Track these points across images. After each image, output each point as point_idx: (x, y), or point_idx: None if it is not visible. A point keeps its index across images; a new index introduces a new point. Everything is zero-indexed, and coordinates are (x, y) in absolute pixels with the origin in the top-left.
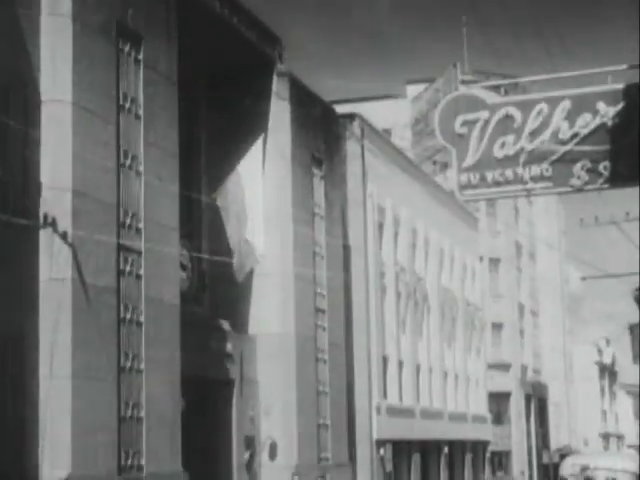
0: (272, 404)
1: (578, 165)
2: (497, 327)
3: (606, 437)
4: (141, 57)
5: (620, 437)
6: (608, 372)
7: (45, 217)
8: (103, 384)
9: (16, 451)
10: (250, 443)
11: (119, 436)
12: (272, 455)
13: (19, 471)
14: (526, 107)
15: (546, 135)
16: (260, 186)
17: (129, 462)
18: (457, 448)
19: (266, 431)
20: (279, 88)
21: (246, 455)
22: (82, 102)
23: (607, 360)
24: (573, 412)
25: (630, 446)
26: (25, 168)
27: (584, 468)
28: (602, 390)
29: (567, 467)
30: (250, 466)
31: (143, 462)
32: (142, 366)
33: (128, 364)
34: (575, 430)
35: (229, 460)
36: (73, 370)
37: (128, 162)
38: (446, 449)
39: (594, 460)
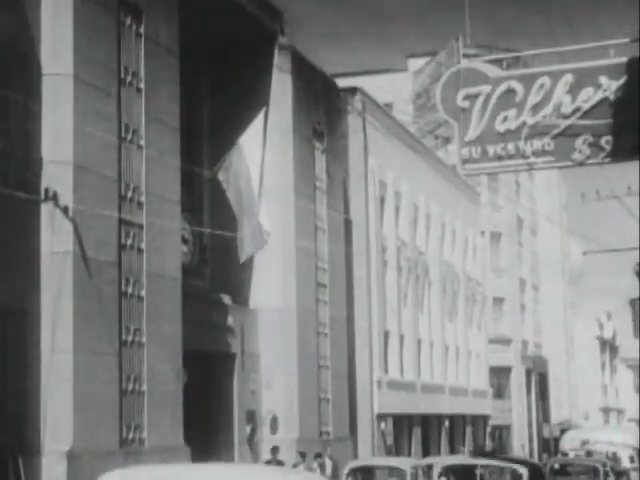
0: (273, 378)
1: (580, 139)
2: (498, 301)
3: (606, 411)
4: (142, 30)
5: (620, 411)
6: (609, 346)
7: (46, 191)
8: (104, 358)
9: (18, 424)
10: (251, 417)
11: (120, 409)
12: (273, 429)
13: (21, 444)
14: (528, 81)
15: (548, 109)
16: (261, 160)
17: (130, 435)
18: (458, 422)
19: (267, 405)
20: (280, 61)
21: (247, 429)
22: (83, 75)
23: (608, 334)
24: (573, 386)
25: (630, 420)
26: (26, 142)
27: (584, 442)
28: (603, 364)
29: (567, 441)
30: (251, 440)
31: (144, 435)
32: (143, 340)
33: (129, 338)
34: (575, 404)
35: (230, 434)
36: (75, 344)
37: (129, 136)
38: (447, 423)
39: (594, 434)
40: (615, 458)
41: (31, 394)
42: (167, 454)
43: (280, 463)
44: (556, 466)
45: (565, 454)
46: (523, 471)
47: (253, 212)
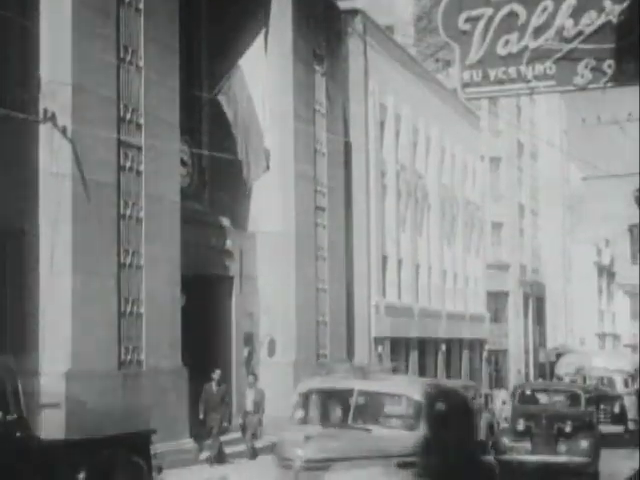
0: (271, 301)
1: (582, 63)
2: (497, 226)
3: (602, 337)
4: None
5: (616, 337)
6: (606, 272)
7: (45, 112)
8: (103, 280)
9: (16, 345)
10: (249, 340)
11: (119, 332)
12: (271, 352)
13: (19, 365)
14: (530, 4)
15: (550, 33)
16: (261, 82)
17: (129, 357)
18: (455, 346)
19: (265, 328)
20: None
21: (245, 352)
22: None
23: (606, 260)
24: (570, 312)
25: (626, 346)
26: (24, 62)
27: (579, 369)
28: (600, 290)
29: (563, 366)
30: (249, 362)
31: (143, 357)
32: (142, 262)
33: (128, 260)
34: (572, 329)
35: (228, 356)
36: (73, 265)
37: (128, 57)
38: (444, 347)
39: (589, 360)
40: (611, 383)
41: (29, 316)
42: (165, 376)
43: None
44: (527, 392)
45: (560, 378)
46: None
47: (256, 135)
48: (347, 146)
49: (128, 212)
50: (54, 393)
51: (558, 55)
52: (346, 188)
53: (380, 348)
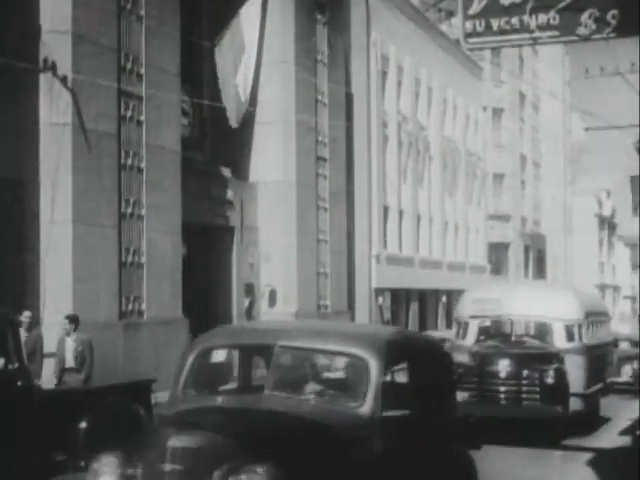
0: (272, 252)
1: (586, 13)
2: (498, 178)
3: (603, 288)
4: None
5: (616, 288)
6: (607, 224)
7: (45, 61)
8: (104, 230)
9: (17, 296)
10: (250, 290)
11: (120, 282)
12: (271, 302)
13: (19, 316)
14: None
15: None
16: (262, 31)
17: (130, 307)
18: (455, 297)
19: (266, 278)
20: None
21: (246, 302)
22: None
23: (607, 212)
24: (571, 263)
25: (626, 297)
26: (24, 11)
27: (493, 309)
28: (600, 242)
29: (466, 306)
30: (249, 313)
31: (144, 307)
32: (143, 212)
33: (129, 210)
34: (572, 281)
35: (229, 307)
36: (74, 216)
37: (129, 6)
38: (444, 298)
39: (509, 297)
40: (541, 335)
41: (30, 266)
42: (166, 326)
43: None
44: None
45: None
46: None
47: (244, 80)
48: (349, 97)
49: (129, 162)
50: (55, 343)
51: (561, 5)
52: (347, 139)
53: (380, 299)
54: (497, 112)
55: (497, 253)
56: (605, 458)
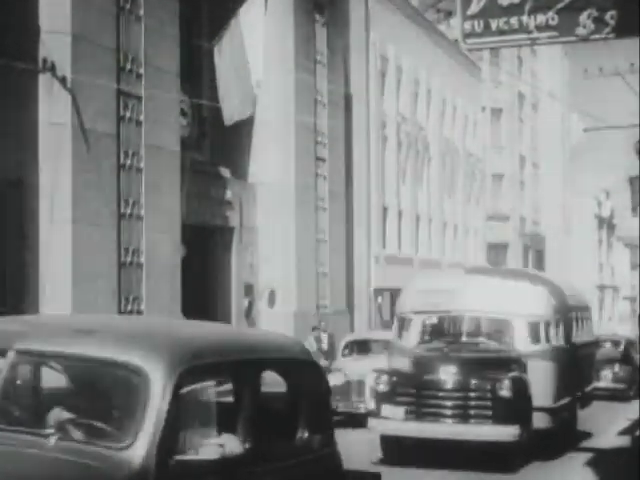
0: (271, 252)
1: (584, 14)
2: (497, 178)
3: (602, 288)
4: None
5: (616, 289)
6: (606, 224)
7: (44, 61)
8: (103, 230)
9: (16, 296)
10: (249, 290)
11: (119, 282)
12: (271, 302)
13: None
14: None
15: None
16: (261, 32)
17: (129, 307)
18: None
19: (265, 278)
20: None
21: (245, 302)
22: None
23: (606, 213)
24: (570, 264)
25: (625, 298)
26: (23, 11)
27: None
28: (600, 242)
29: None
30: (249, 313)
31: (143, 307)
32: (142, 212)
33: (128, 210)
34: (571, 281)
35: (228, 307)
36: (73, 215)
37: (128, 6)
38: None
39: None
40: (499, 335)
41: (29, 265)
42: None
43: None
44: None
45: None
46: None
47: (243, 77)
48: (348, 97)
49: (128, 162)
50: None
51: (560, 5)
52: (346, 139)
53: (380, 299)
54: (496, 112)
55: (496, 253)
56: (605, 458)
